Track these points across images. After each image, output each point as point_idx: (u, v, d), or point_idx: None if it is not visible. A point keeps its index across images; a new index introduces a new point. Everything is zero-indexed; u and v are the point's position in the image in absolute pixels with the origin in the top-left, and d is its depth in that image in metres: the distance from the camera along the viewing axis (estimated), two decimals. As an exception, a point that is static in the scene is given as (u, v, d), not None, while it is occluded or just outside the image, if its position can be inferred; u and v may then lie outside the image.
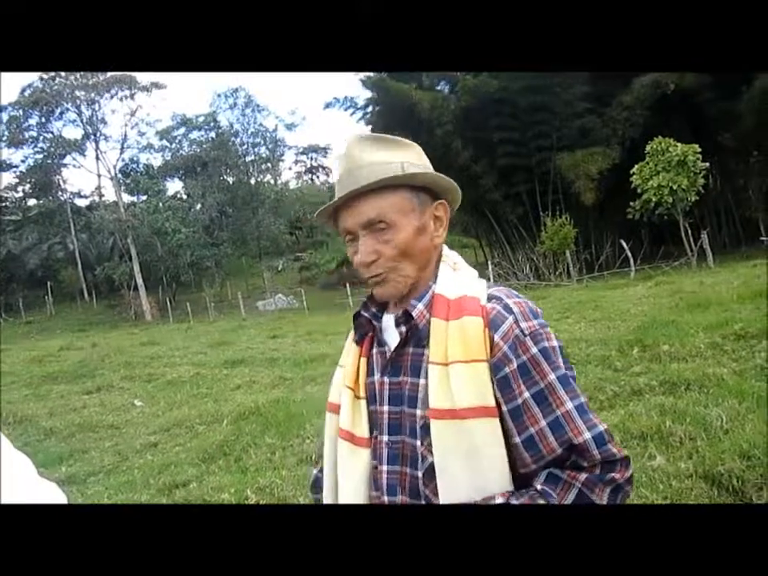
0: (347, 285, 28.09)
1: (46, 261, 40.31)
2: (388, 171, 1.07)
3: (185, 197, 42.70)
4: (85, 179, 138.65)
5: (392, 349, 1.14)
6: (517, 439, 1.03)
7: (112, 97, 38.00)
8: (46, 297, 37.66)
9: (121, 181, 39.95)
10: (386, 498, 1.10)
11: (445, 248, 1.19)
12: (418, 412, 1.07)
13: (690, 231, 19.02)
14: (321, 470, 1.29)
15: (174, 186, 51.44)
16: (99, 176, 44.14)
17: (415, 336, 1.11)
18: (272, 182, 44.06)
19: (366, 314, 1.20)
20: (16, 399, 9.27)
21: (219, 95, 40.19)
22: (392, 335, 1.16)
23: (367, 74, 24.80)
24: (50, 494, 0.98)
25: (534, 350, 1.04)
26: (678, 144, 17.97)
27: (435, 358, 1.06)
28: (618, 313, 9.64)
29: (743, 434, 3.55)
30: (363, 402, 1.16)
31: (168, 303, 33.09)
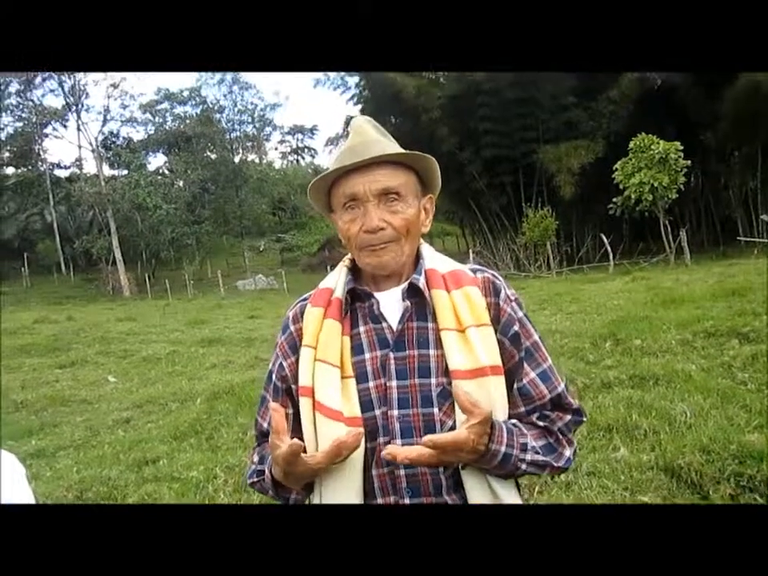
0: (329, 268, 28.03)
1: (23, 231, 39.57)
2: (402, 150, 1.18)
3: (167, 172, 42.09)
4: (65, 150, 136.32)
5: (391, 324, 1.17)
6: (514, 386, 1.18)
7: (95, 67, 37.20)
8: (22, 268, 37.01)
9: (102, 153, 39.28)
10: (402, 471, 1.12)
11: None
12: (433, 380, 1.13)
13: (669, 228, 19.22)
14: (260, 462, 1.27)
15: (157, 162, 50.73)
16: (80, 147, 43.47)
17: (418, 310, 1.18)
18: (256, 160, 43.63)
19: (366, 288, 1.21)
20: (-13, 371, 9.14)
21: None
22: (391, 310, 1.19)
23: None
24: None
25: (521, 313, 1.22)
26: (661, 141, 18.09)
27: (447, 325, 1.14)
28: (595, 306, 9.74)
29: (705, 429, 3.63)
30: (351, 381, 1.15)
31: (147, 279, 32.72)
